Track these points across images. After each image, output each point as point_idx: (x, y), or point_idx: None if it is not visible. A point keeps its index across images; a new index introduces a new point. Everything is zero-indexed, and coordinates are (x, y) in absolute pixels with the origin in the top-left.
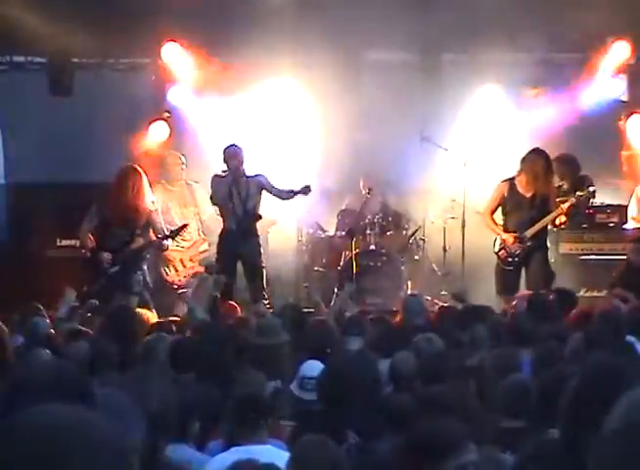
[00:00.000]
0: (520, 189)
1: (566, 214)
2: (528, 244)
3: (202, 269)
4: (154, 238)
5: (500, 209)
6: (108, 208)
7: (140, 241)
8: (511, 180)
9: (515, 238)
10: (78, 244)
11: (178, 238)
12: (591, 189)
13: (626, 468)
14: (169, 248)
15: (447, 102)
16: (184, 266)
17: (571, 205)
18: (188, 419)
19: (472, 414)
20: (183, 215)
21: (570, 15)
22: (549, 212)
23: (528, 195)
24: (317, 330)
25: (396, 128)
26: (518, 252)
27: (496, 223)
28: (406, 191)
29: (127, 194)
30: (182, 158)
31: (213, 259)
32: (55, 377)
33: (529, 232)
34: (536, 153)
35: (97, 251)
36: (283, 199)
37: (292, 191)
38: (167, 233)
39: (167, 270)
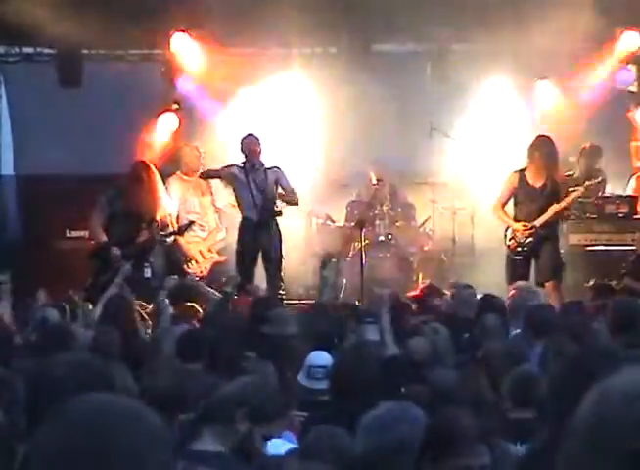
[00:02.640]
0: (530, 179)
1: (569, 206)
2: (538, 233)
3: (221, 259)
4: (158, 232)
5: (512, 200)
6: (122, 202)
7: (145, 234)
8: (521, 171)
9: (524, 227)
10: (88, 235)
11: (196, 229)
12: (599, 179)
13: (595, 466)
14: (187, 241)
15: (456, 92)
16: (204, 257)
17: (578, 196)
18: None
19: (484, 404)
20: (201, 205)
21: (578, 5)
22: (559, 203)
23: (538, 185)
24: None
25: (405, 119)
26: (527, 241)
27: (507, 214)
28: (415, 182)
29: (140, 189)
30: (199, 150)
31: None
32: (79, 370)
33: (539, 222)
34: (541, 140)
35: (107, 245)
36: (285, 200)
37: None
38: (175, 229)
39: (189, 264)
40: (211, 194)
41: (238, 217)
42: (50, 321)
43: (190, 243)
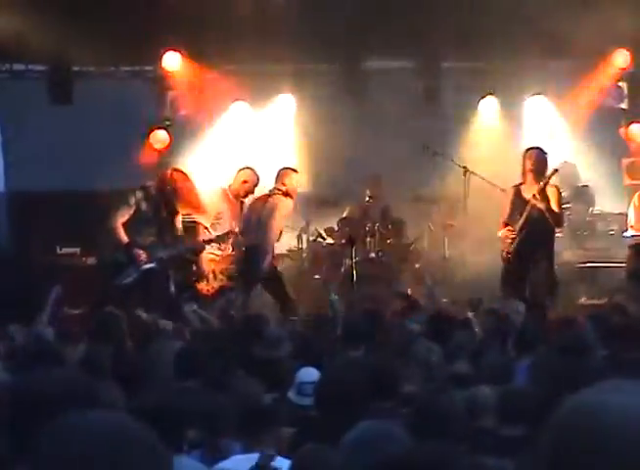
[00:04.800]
0: (524, 192)
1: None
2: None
3: (228, 284)
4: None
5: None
6: (149, 204)
7: (175, 243)
8: (517, 185)
9: (508, 231)
10: (79, 251)
11: (216, 247)
12: (553, 170)
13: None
14: (208, 254)
15: (448, 110)
16: (215, 278)
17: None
18: (186, 427)
19: (461, 423)
20: (231, 227)
21: (570, 23)
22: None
23: (529, 196)
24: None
25: (397, 136)
26: (512, 246)
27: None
28: (407, 199)
29: (175, 198)
30: (258, 175)
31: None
32: (65, 386)
33: (519, 224)
34: (530, 150)
35: (131, 246)
36: None
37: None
38: (214, 237)
39: (200, 279)
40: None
41: None
42: (44, 339)
43: (209, 260)
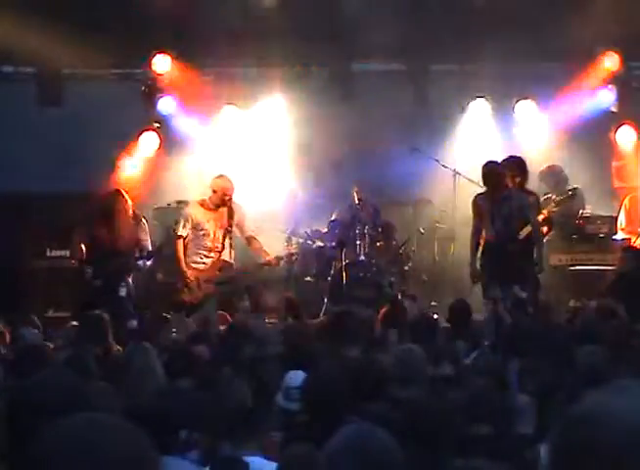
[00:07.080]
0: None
1: (545, 223)
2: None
3: (213, 290)
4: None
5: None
6: (94, 228)
7: (122, 258)
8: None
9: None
10: (69, 254)
11: (202, 255)
12: (570, 193)
13: None
14: (189, 264)
15: (437, 112)
16: (199, 288)
17: (547, 215)
18: (175, 429)
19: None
20: (215, 236)
21: (560, 26)
22: (528, 222)
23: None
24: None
25: (386, 139)
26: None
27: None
28: (396, 202)
29: (114, 219)
30: (232, 183)
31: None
32: (57, 389)
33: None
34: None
35: (83, 263)
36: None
37: None
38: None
39: (185, 289)
40: (230, 227)
41: None
42: (27, 339)
43: (192, 270)
